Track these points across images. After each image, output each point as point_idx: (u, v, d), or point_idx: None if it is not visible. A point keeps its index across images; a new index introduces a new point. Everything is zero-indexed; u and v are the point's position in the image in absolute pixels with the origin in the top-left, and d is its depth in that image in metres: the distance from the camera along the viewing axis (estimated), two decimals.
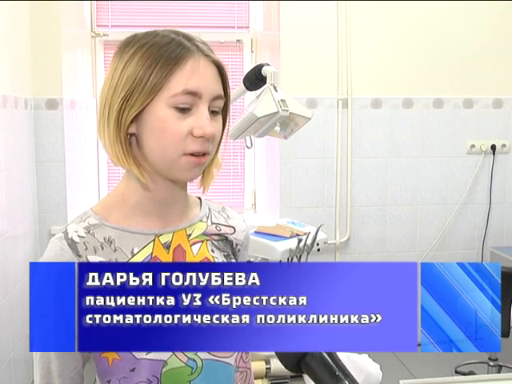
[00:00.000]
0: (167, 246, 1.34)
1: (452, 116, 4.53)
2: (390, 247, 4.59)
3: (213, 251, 1.40)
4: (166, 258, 1.33)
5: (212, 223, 1.44)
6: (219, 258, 1.40)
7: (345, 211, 4.49)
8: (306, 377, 3.54)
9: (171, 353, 1.28)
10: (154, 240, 1.33)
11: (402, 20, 4.42)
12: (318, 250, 3.56)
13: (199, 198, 1.48)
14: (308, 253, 3.51)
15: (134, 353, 1.25)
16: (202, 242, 1.39)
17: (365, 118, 4.44)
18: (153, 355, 1.26)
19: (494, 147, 4.56)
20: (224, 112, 1.34)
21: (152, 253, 1.31)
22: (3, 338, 3.41)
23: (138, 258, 1.30)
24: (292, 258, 3.46)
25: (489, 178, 4.58)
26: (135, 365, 1.27)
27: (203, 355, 1.31)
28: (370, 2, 4.34)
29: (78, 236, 1.28)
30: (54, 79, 4.16)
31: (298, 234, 3.54)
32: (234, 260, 1.46)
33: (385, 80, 4.43)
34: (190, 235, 1.38)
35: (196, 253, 1.37)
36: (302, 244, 3.40)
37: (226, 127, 1.38)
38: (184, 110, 1.24)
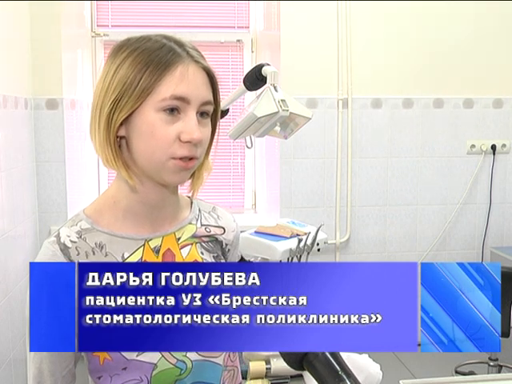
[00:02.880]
0: (156, 251, 1.35)
1: (452, 116, 4.51)
2: (390, 247, 4.57)
3: (202, 253, 1.41)
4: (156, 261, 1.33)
5: (201, 225, 1.45)
6: (208, 259, 1.42)
7: (345, 211, 4.48)
8: (306, 377, 3.54)
9: (160, 355, 1.29)
10: (144, 245, 1.34)
11: (401, 20, 4.40)
12: (318, 249, 3.55)
13: (189, 198, 1.49)
14: (308, 253, 3.51)
15: (124, 353, 1.27)
16: (192, 244, 1.40)
17: (365, 117, 4.43)
18: (143, 357, 1.28)
19: (494, 147, 4.54)
20: (214, 117, 1.35)
21: (142, 257, 1.33)
22: (3, 337, 3.41)
23: None
24: (292, 258, 3.45)
25: (489, 177, 4.56)
26: (126, 365, 1.28)
27: (193, 356, 1.32)
28: (370, 2, 4.33)
29: (71, 241, 1.30)
30: (54, 79, 4.14)
31: (298, 234, 3.53)
32: (223, 260, 1.46)
33: (385, 80, 4.42)
34: (179, 239, 1.39)
35: (185, 256, 1.38)
36: (302, 244, 3.40)
37: (216, 132, 1.38)
38: (172, 113, 1.24)
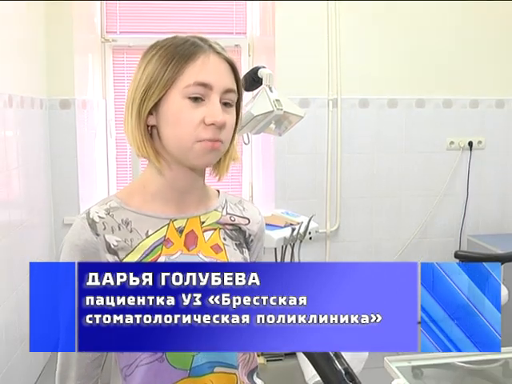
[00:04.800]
0: (180, 230, 1.30)
1: (433, 115, 4.45)
2: (376, 235, 4.51)
3: (224, 239, 1.35)
4: (178, 240, 1.28)
5: (227, 213, 1.39)
6: (230, 245, 1.35)
7: (335, 202, 4.41)
8: (299, 355, 3.46)
9: None
10: (169, 224, 1.29)
11: (387, 28, 4.34)
12: (310, 238, 3.48)
13: (218, 191, 1.44)
14: (301, 241, 3.43)
15: None
16: (215, 229, 1.35)
17: (353, 116, 4.36)
18: None
19: (470, 144, 4.49)
20: (237, 106, 1.30)
21: (165, 235, 1.28)
22: (24, 322, 3.33)
23: (152, 239, 1.26)
24: (286, 246, 3.38)
25: (466, 171, 4.50)
26: None
27: None
28: (358, 13, 4.27)
29: (99, 217, 1.26)
30: (67, 81, 4.09)
31: (291, 224, 3.46)
32: (245, 249, 1.39)
33: (371, 82, 4.35)
34: (203, 222, 1.34)
35: (207, 239, 1.32)
36: (295, 233, 3.32)
37: (240, 121, 1.34)
38: (197, 100, 1.22)
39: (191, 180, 1.31)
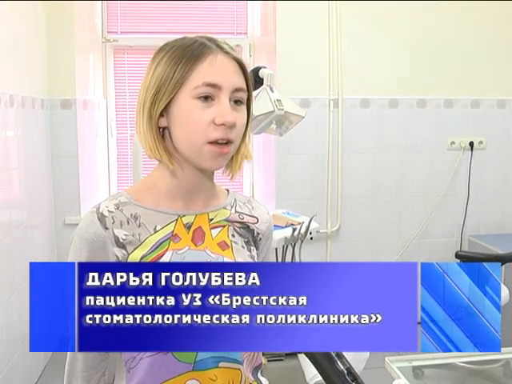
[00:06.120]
0: (188, 227, 1.31)
1: (434, 115, 4.44)
2: (377, 236, 4.50)
3: (233, 236, 1.36)
4: (186, 236, 1.30)
5: (236, 212, 1.40)
6: (239, 243, 1.36)
7: (336, 202, 4.41)
8: (299, 355, 3.46)
9: None
10: (177, 220, 1.31)
11: (388, 28, 4.34)
12: (311, 238, 3.48)
13: (227, 190, 1.46)
14: (302, 241, 3.43)
15: None
16: (224, 226, 1.36)
17: (354, 116, 4.36)
18: None
19: (471, 144, 4.48)
20: (248, 104, 1.32)
21: (173, 231, 1.29)
22: (23, 323, 3.33)
23: (160, 234, 1.28)
24: (287, 246, 3.38)
25: (467, 172, 4.49)
26: None
27: None
28: (359, 12, 4.27)
29: (108, 211, 1.28)
30: (68, 81, 4.09)
31: (292, 224, 3.46)
32: (253, 247, 1.40)
33: (372, 82, 4.35)
34: (211, 219, 1.35)
35: (215, 236, 1.33)
36: (296, 233, 3.32)
37: (251, 119, 1.35)
38: (206, 100, 1.23)
39: (200, 181, 1.33)
